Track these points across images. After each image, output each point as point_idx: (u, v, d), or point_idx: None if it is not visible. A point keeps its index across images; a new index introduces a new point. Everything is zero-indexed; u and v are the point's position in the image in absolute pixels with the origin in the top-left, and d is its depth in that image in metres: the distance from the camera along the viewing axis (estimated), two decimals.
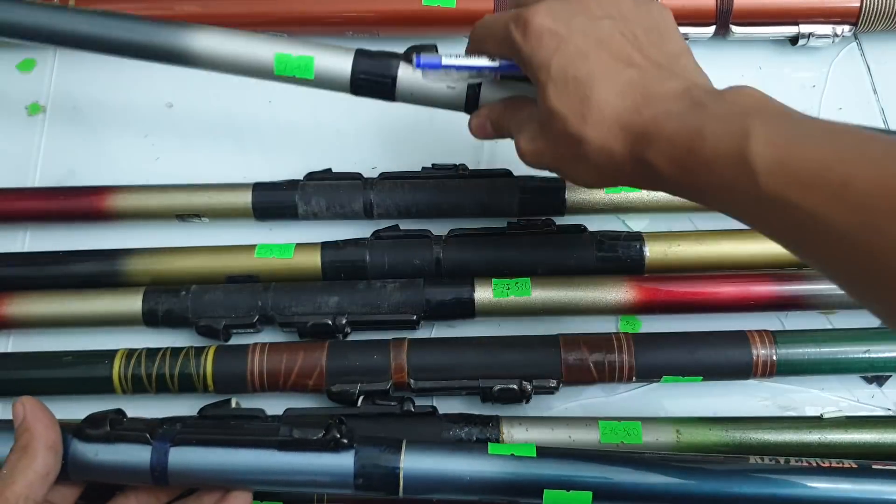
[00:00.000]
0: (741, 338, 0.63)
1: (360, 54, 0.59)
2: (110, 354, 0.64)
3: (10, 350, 0.69)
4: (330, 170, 0.71)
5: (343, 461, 0.53)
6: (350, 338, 0.67)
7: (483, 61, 0.57)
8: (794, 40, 0.76)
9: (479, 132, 0.60)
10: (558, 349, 0.63)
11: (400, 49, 0.59)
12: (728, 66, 0.78)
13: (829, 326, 0.68)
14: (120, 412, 0.56)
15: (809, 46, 0.76)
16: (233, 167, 0.74)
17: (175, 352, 0.64)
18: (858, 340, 0.64)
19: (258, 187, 0.69)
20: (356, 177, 0.70)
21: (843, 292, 0.59)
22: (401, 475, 0.53)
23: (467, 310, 0.65)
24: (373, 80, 0.59)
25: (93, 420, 0.54)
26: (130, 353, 0.64)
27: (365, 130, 0.76)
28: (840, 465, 0.54)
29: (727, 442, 0.61)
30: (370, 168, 0.72)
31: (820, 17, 0.74)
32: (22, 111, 0.78)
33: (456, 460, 0.53)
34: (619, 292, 0.65)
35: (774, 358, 0.63)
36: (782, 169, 0.40)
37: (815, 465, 0.54)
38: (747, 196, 0.42)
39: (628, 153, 0.48)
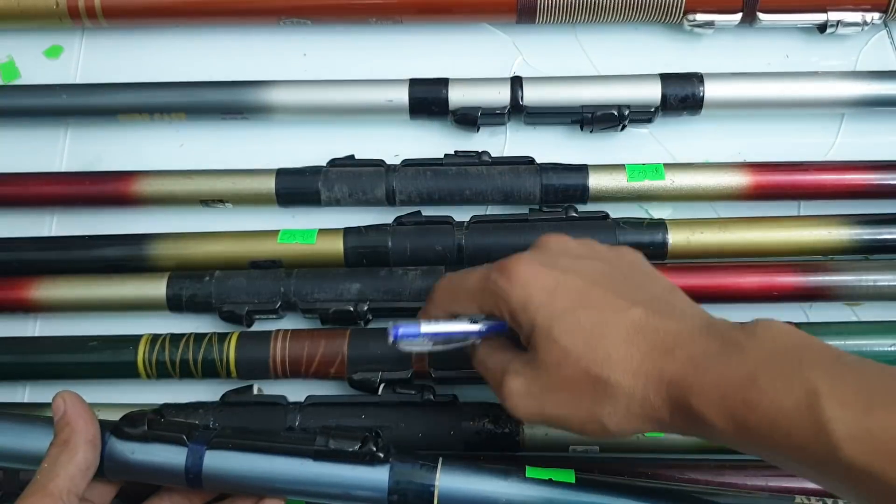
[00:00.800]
0: None
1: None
2: (135, 340, 0.65)
3: (36, 334, 0.70)
4: (353, 156, 0.71)
5: (378, 475, 0.52)
6: (372, 325, 0.67)
7: (464, 325, 0.53)
8: (822, 28, 0.75)
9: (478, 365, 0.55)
10: None
11: None
12: (754, 54, 0.77)
13: (855, 318, 0.67)
14: (159, 412, 0.57)
15: (838, 34, 0.75)
16: (257, 152, 0.74)
17: (198, 338, 0.65)
18: (885, 333, 0.64)
19: (281, 173, 0.69)
20: (379, 163, 0.70)
21: (869, 283, 0.59)
22: (436, 493, 0.52)
23: None
24: None
25: (131, 419, 0.54)
26: (155, 338, 0.65)
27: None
28: None
29: None
30: (392, 155, 0.72)
31: (849, 4, 0.73)
32: None
33: (492, 482, 0.53)
34: None
35: None
36: (866, 436, 0.38)
37: None
38: (823, 461, 0.39)
39: (665, 398, 0.45)
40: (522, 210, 0.69)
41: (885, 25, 0.77)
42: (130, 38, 0.79)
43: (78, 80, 0.78)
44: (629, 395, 0.45)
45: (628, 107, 0.70)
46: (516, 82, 0.71)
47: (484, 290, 0.50)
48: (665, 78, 0.70)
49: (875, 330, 0.64)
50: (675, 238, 0.66)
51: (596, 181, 0.68)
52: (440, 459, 0.53)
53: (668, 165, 0.68)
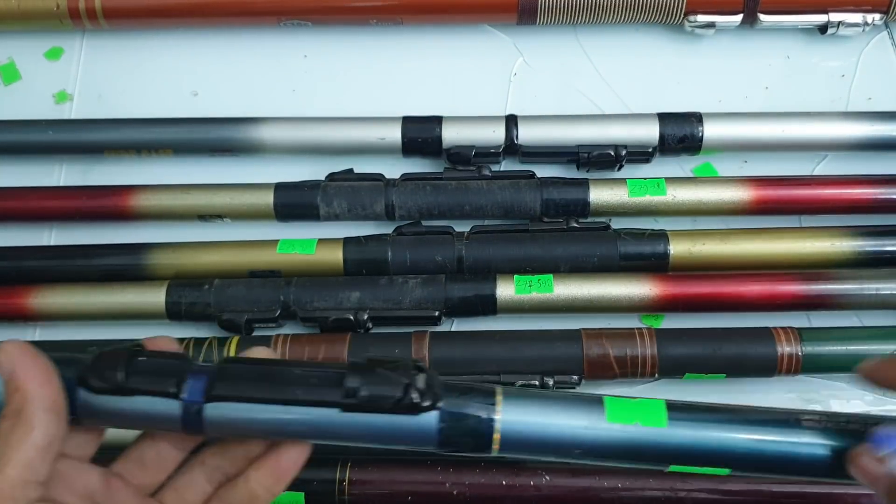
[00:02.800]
0: (766, 334, 0.63)
1: None
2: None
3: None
4: (351, 170, 0.70)
5: (425, 422, 0.43)
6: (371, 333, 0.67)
7: None
8: (823, 29, 0.75)
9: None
10: (580, 343, 0.63)
11: None
12: (755, 55, 0.77)
13: (858, 324, 0.67)
14: (138, 346, 0.45)
15: (839, 35, 0.75)
16: (255, 161, 0.73)
17: (198, 342, 0.65)
18: (887, 338, 0.64)
19: (280, 188, 0.69)
20: (378, 178, 0.70)
21: (871, 292, 0.59)
22: (496, 436, 0.43)
23: (489, 306, 0.65)
24: None
25: (101, 367, 0.43)
26: None
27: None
28: None
29: None
30: (391, 168, 0.71)
31: (850, 5, 0.73)
32: (49, 99, 0.78)
33: (566, 418, 0.44)
34: (643, 290, 0.65)
35: (800, 354, 0.62)
36: None
37: None
38: None
39: None
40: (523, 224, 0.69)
41: (886, 26, 0.77)
42: (131, 40, 0.79)
43: (79, 82, 0.78)
44: None
45: (625, 146, 0.69)
46: (511, 121, 0.70)
47: None
48: (663, 118, 0.70)
49: (876, 335, 0.64)
50: (677, 249, 0.66)
51: (597, 195, 0.68)
52: (499, 390, 0.44)
53: (669, 180, 0.68)
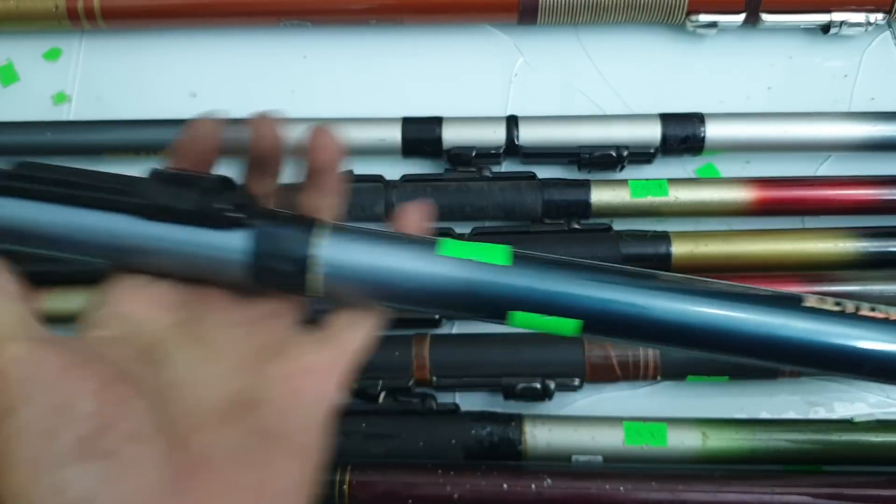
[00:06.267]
0: None
1: None
2: None
3: None
4: (351, 171, 0.70)
5: (233, 240, 0.39)
6: None
7: None
8: (825, 28, 0.74)
9: None
10: (582, 346, 0.63)
11: None
12: (757, 55, 0.76)
13: None
14: None
15: (841, 35, 0.75)
16: None
17: None
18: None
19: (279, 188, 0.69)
20: (378, 179, 0.69)
21: (875, 294, 0.59)
22: (315, 266, 0.39)
23: None
24: None
25: None
26: None
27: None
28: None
29: (755, 447, 0.61)
30: (391, 170, 0.71)
31: (853, 4, 0.73)
32: (48, 100, 0.78)
33: (394, 256, 0.40)
34: None
35: None
36: None
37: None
38: None
39: None
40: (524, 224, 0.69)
41: (889, 26, 0.77)
42: (130, 41, 0.79)
43: (77, 83, 0.78)
44: None
45: (627, 147, 0.69)
46: (512, 121, 0.70)
47: None
48: (665, 118, 0.69)
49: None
50: (679, 250, 0.66)
51: (598, 197, 0.68)
52: (326, 223, 0.41)
53: (671, 181, 0.68)
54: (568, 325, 0.39)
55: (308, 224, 0.40)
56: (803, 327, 0.39)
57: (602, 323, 0.39)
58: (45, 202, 0.39)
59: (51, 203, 0.39)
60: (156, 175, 0.40)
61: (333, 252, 0.39)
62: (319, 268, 0.39)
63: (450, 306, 0.40)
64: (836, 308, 0.40)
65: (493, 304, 0.40)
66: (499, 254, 0.40)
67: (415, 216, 0.43)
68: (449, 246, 0.40)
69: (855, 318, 0.39)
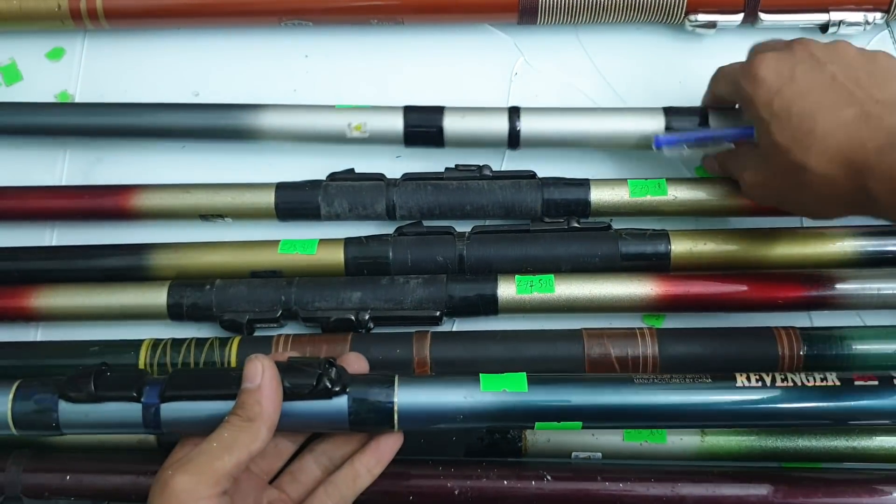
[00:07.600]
0: (767, 334, 0.63)
1: None
2: (136, 344, 0.65)
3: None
4: (352, 170, 0.70)
5: (337, 405, 0.53)
6: (373, 333, 0.67)
7: (715, 132, 0.65)
8: (824, 28, 0.75)
9: (710, 169, 0.68)
10: (581, 343, 0.63)
11: None
12: None
13: (860, 323, 0.67)
14: (105, 366, 0.55)
15: (840, 34, 0.75)
16: (253, 170, 0.74)
17: (200, 342, 0.65)
18: (889, 337, 0.64)
19: (281, 187, 0.69)
20: (379, 177, 0.70)
21: (872, 293, 0.60)
22: (395, 410, 0.54)
23: (490, 306, 0.65)
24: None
25: (76, 381, 0.54)
26: (157, 342, 0.65)
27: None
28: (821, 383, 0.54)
29: (752, 446, 0.62)
30: (392, 168, 0.71)
31: (851, 4, 0.73)
32: (51, 99, 0.78)
33: (448, 394, 0.54)
34: (644, 290, 0.65)
35: (801, 354, 0.62)
36: None
37: (793, 383, 0.54)
38: None
39: (850, 182, 0.53)
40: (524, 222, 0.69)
41: (887, 25, 0.77)
42: (132, 40, 0.79)
43: (80, 82, 0.78)
44: (821, 181, 0.55)
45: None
46: (514, 112, 0.69)
47: (734, 83, 0.61)
48: (669, 111, 0.69)
49: (879, 334, 0.64)
50: (678, 248, 0.66)
51: (598, 196, 0.68)
52: (396, 377, 0.55)
53: (670, 180, 0.68)
54: (573, 426, 0.55)
55: (388, 380, 0.55)
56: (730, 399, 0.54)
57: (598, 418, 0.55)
58: (203, 400, 0.53)
59: (207, 400, 0.53)
60: (280, 366, 0.53)
61: (405, 398, 0.54)
62: (396, 411, 0.54)
63: (489, 421, 0.55)
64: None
65: (521, 419, 0.55)
66: (520, 383, 0.54)
67: (357, 363, 0.57)
68: (487, 383, 0.54)
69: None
